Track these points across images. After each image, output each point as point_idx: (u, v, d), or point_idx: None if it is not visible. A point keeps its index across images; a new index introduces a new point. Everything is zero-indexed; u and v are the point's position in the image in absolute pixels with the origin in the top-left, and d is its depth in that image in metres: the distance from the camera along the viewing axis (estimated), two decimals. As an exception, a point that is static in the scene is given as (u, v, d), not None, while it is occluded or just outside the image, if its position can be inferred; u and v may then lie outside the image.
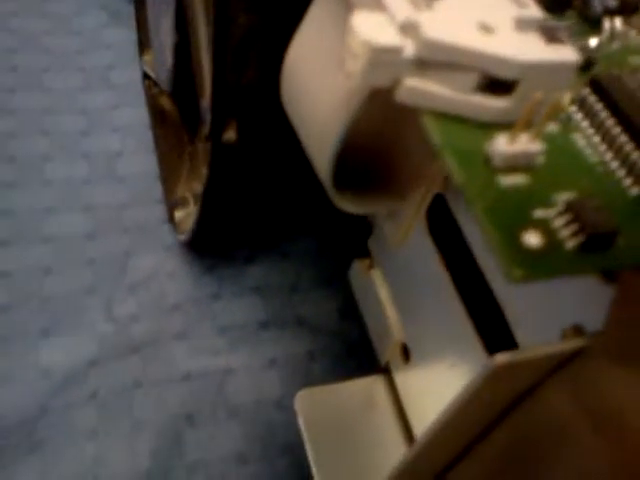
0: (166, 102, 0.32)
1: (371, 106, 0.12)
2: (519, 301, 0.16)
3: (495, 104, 0.11)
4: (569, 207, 0.10)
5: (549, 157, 0.11)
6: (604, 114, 0.11)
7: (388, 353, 0.22)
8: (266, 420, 0.25)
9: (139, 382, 0.25)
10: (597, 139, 0.11)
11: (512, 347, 0.17)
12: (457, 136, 0.11)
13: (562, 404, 0.12)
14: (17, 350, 0.25)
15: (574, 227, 0.10)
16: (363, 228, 0.25)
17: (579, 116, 0.12)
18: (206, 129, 0.20)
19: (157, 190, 0.30)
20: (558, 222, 0.10)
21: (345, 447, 0.21)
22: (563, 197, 0.10)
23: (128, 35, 0.35)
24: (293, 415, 0.24)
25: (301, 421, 0.21)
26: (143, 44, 0.33)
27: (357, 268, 0.24)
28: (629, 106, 0.11)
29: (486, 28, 0.11)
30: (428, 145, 0.11)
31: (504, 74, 0.10)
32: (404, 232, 0.20)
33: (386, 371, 0.23)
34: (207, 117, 0.20)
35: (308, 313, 0.28)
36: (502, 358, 0.11)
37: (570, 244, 0.10)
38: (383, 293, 0.22)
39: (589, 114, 0.12)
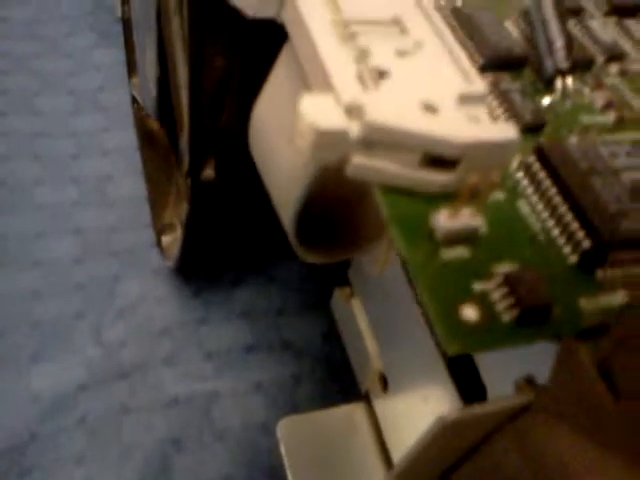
0: (155, 125, 0.33)
1: (327, 174, 0.12)
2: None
3: (439, 178, 0.11)
4: (506, 280, 0.11)
5: (492, 227, 0.12)
6: (547, 182, 0.12)
7: (368, 382, 0.23)
8: (252, 443, 0.26)
9: (127, 407, 0.26)
10: (540, 206, 0.12)
11: (479, 386, 0.18)
12: (404, 209, 0.11)
13: (508, 456, 0.12)
14: (7, 375, 0.26)
15: (510, 300, 0.11)
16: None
17: (525, 182, 0.12)
18: (185, 166, 0.21)
19: (146, 213, 0.31)
20: (496, 295, 0.11)
21: (326, 473, 0.22)
22: (503, 269, 0.11)
23: (117, 55, 0.36)
24: (276, 439, 0.25)
25: (283, 448, 0.22)
26: (131, 66, 0.34)
27: (338, 296, 0.25)
28: (570, 176, 0.12)
29: (429, 107, 0.11)
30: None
31: (446, 153, 0.11)
32: (381, 265, 0.21)
33: (366, 398, 0.24)
34: (185, 155, 0.21)
35: (293, 337, 0.29)
36: (450, 416, 0.12)
37: (506, 317, 0.11)
38: (362, 322, 0.23)
39: (534, 181, 0.12)
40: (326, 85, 0.11)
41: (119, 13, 0.35)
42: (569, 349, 0.11)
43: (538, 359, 0.13)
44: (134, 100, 0.34)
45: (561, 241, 0.12)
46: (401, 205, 0.12)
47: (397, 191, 0.12)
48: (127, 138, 0.34)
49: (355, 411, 0.23)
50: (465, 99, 0.12)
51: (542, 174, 0.12)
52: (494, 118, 0.12)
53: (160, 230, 0.30)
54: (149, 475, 0.25)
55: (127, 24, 0.34)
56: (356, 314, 0.23)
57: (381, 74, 0.12)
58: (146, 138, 0.33)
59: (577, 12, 0.17)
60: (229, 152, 0.21)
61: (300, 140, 0.11)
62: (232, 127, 0.20)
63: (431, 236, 0.11)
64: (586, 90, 0.15)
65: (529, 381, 0.13)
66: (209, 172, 0.21)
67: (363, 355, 0.23)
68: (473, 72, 0.12)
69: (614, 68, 0.16)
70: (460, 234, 0.11)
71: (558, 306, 0.11)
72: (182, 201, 0.29)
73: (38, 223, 0.31)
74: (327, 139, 0.11)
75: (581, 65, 0.15)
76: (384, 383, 0.22)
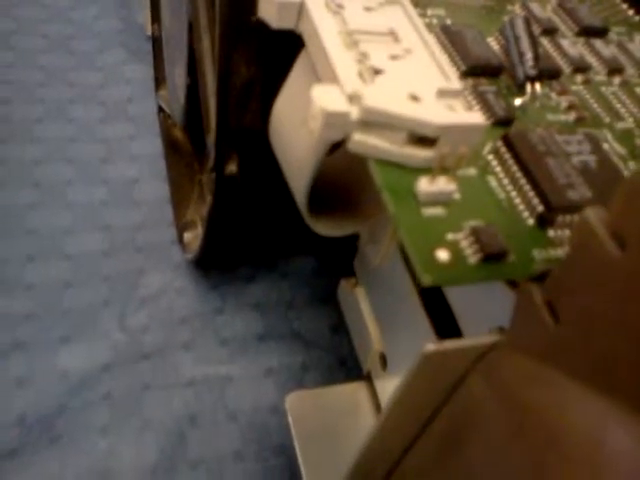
0: (179, 134, 0.37)
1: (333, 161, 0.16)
2: (468, 312, 0.20)
3: (422, 154, 0.15)
4: (473, 232, 0.14)
5: (464, 194, 0.15)
6: (511, 162, 0.15)
7: (369, 362, 0.26)
8: (262, 423, 0.29)
9: (148, 386, 0.29)
10: (505, 181, 0.15)
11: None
12: (394, 178, 0.15)
13: (480, 389, 0.16)
14: (38, 355, 0.29)
15: (475, 247, 0.14)
16: (351, 250, 0.29)
17: (494, 162, 0.16)
18: (211, 162, 0.25)
19: (168, 214, 0.35)
20: (464, 243, 0.14)
21: (330, 444, 0.25)
22: (471, 224, 0.14)
23: (146, 70, 0.40)
24: (286, 420, 0.28)
25: (291, 420, 0.25)
26: (159, 80, 0.38)
27: (344, 286, 0.28)
28: (529, 156, 0.15)
29: (414, 97, 0.15)
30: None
31: (426, 133, 0.14)
32: (383, 255, 0.24)
33: (368, 378, 0.27)
34: (212, 152, 0.25)
35: (303, 328, 0.32)
36: (433, 346, 0.15)
37: (472, 260, 0.14)
38: (365, 308, 0.26)
39: (501, 161, 0.16)
40: (333, 79, 0.15)
41: (149, 32, 0.39)
42: (524, 289, 0.14)
43: (505, 316, 0.17)
44: (160, 110, 0.37)
45: (521, 207, 0.15)
46: (391, 175, 0.15)
47: (388, 164, 0.15)
48: (152, 145, 0.38)
49: (358, 389, 0.26)
50: (444, 93, 0.15)
51: (507, 155, 0.16)
52: (467, 109, 0.15)
53: (182, 227, 0.33)
54: (166, 446, 0.28)
55: (156, 41, 0.38)
56: (360, 301, 0.27)
57: (377, 72, 0.15)
58: (170, 145, 0.37)
59: (552, 32, 0.20)
60: (251, 149, 0.24)
61: (312, 121, 0.14)
62: (255, 126, 0.24)
63: (414, 198, 0.15)
64: (553, 94, 0.18)
65: (500, 330, 0.16)
66: (232, 167, 0.25)
67: (365, 338, 0.26)
68: (452, 73, 0.16)
69: (579, 78, 0.19)
70: (437, 197, 0.14)
71: (515, 254, 0.14)
72: (203, 201, 0.33)
73: (69, 220, 0.34)
74: (333, 119, 0.14)
75: (549, 74, 0.18)
76: (384, 362, 0.25)
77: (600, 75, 0.19)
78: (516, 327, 0.15)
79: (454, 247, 0.14)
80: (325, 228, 0.18)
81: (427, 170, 0.15)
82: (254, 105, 0.24)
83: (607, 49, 0.20)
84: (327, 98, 0.14)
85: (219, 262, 0.34)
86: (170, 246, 0.34)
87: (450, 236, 0.14)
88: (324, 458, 0.24)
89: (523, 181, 0.15)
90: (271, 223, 0.30)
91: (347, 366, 0.31)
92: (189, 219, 0.33)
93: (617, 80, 0.19)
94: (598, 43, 0.20)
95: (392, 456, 0.19)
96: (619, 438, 0.12)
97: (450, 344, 0.15)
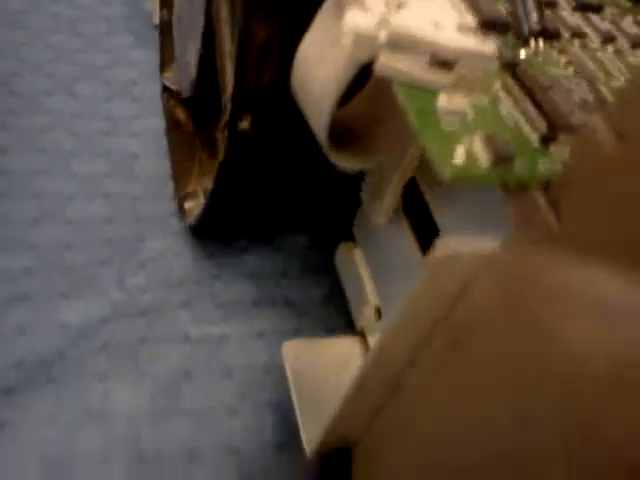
0: (181, 113, 0.39)
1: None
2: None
3: (442, 76, 0.17)
4: (485, 139, 0.16)
5: (477, 115, 0.17)
6: (518, 92, 0.17)
7: (364, 318, 0.27)
8: (256, 381, 0.30)
9: (145, 339, 0.30)
10: (514, 108, 0.17)
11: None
12: (415, 97, 0.17)
13: (483, 293, 0.17)
14: (39, 307, 0.30)
15: (487, 151, 0.16)
16: (343, 226, 0.30)
17: (504, 95, 0.18)
18: (225, 118, 0.26)
19: (167, 189, 0.36)
20: (477, 148, 0.16)
21: (325, 390, 0.26)
22: (482, 134, 0.16)
23: (151, 56, 0.41)
24: (280, 378, 0.29)
25: (287, 367, 0.26)
26: (164, 63, 0.39)
27: (342, 249, 0.29)
28: (535, 88, 0.17)
29: (437, 25, 0.17)
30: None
31: (446, 57, 0.16)
32: (386, 210, 0.26)
33: (362, 335, 0.28)
34: (227, 110, 0.26)
35: (296, 297, 0.33)
36: (443, 247, 0.16)
37: (484, 162, 0.16)
38: (363, 267, 0.28)
39: (510, 93, 0.18)
40: (362, 8, 0.17)
41: (156, 20, 0.41)
42: (527, 194, 0.16)
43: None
44: (165, 90, 0.39)
45: (527, 129, 0.17)
46: (413, 94, 0.17)
47: (410, 86, 0.17)
48: (154, 125, 0.39)
49: (352, 342, 0.27)
50: (462, 27, 0.17)
51: (516, 88, 0.18)
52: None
53: (183, 198, 0.35)
54: (161, 395, 0.28)
55: (165, 26, 0.40)
56: (357, 261, 0.28)
57: (401, 5, 0.17)
58: (173, 124, 0.38)
59: (552, 5, 0.23)
60: (264, 108, 0.26)
61: (345, 40, 0.16)
62: (269, 86, 0.25)
63: (434, 114, 0.16)
64: (554, 52, 0.20)
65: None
66: (245, 124, 0.26)
67: (362, 295, 0.27)
68: (469, 17, 0.18)
69: (577, 42, 0.21)
70: (454, 114, 0.16)
71: (521, 161, 0.16)
72: (206, 175, 0.34)
73: (72, 187, 0.35)
74: (363, 41, 0.16)
75: (551, 33, 0.20)
76: (379, 316, 0.27)
77: (595, 43, 0.22)
78: (520, 231, 0.16)
79: (469, 151, 0.16)
80: (340, 160, 0.20)
81: (446, 91, 0.17)
82: (271, 64, 0.25)
83: (602, 23, 0.22)
84: (358, 21, 0.16)
85: (217, 233, 0.35)
86: (169, 217, 0.35)
87: (465, 142, 0.16)
88: (319, 404, 0.25)
89: (529, 106, 0.17)
90: (274, 192, 0.31)
91: (336, 335, 0.32)
92: (190, 190, 0.35)
93: (610, 48, 0.21)
94: (594, 17, 0.23)
95: (391, 378, 0.21)
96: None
97: (460, 246, 0.17)
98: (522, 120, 0.17)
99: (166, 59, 0.39)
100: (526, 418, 0.16)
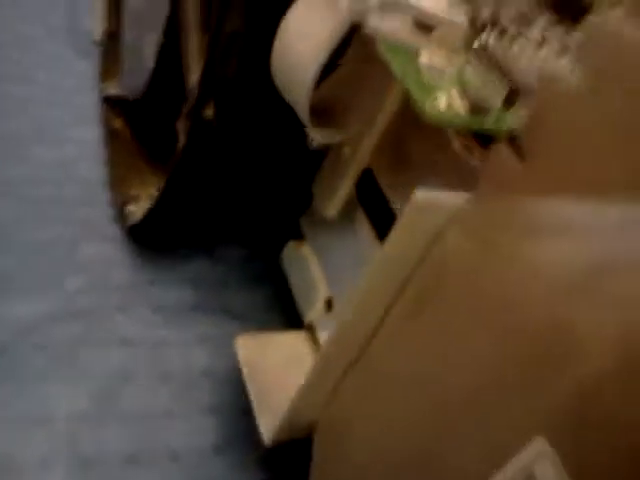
0: (119, 123, 0.38)
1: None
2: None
3: (424, 37, 0.18)
4: (461, 91, 0.17)
5: (455, 72, 0.18)
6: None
7: (313, 312, 0.28)
8: (193, 385, 0.29)
9: (84, 341, 0.29)
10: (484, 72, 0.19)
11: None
12: (400, 53, 0.18)
13: (455, 241, 0.18)
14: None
15: (464, 101, 0.17)
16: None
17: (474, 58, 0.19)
18: (189, 106, 0.27)
19: (103, 194, 0.35)
20: (455, 99, 0.17)
21: (279, 383, 0.25)
22: (459, 89, 0.17)
23: (92, 67, 0.41)
24: (219, 382, 0.29)
25: (240, 359, 0.26)
26: (106, 72, 0.39)
27: (290, 247, 0.30)
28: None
29: (420, -7, 0.18)
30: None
31: (427, 20, 0.18)
32: (338, 202, 0.26)
33: (309, 329, 0.28)
34: (192, 96, 0.27)
35: (235, 305, 0.33)
36: (422, 194, 0.17)
37: (461, 109, 0.17)
38: (312, 261, 0.28)
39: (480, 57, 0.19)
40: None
41: (97, 37, 0.41)
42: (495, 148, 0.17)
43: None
44: (104, 101, 0.39)
45: (494, 89, 0.18)
46: (398, 50, 0.18)
47: (395, 46, 0.18)
48: (92, 133, 0.39)
49: (300, 336, 0.27)
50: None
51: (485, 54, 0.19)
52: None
53: (125, 201, 0.34)
54: (100, 398, 0.27)
55: (110, 38, 0.40)
56: (306, 257, 0.28)
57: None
58: (110, 134, 0.38)
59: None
60: (228, 98, 0.27)
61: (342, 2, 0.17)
62: (234, 76, 0.26)
63: (416, 66, 0.18)
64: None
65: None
66: (209, 112, 0.27)
67: (311, 288, 0.28)
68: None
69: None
70: (434, 69, 0.18)
71: (491, 115, 0.17)
72: (150, 182, 0.33)
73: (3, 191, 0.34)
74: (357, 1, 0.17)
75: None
76: (329, 307, 0.27)
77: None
78: (488, 180, 0.17)
79: (448, 100, 0.17)
80: (321, 135, 0.21)
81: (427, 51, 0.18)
82: (237, 57, 0.26)
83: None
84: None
85: (156, 239, 0.34)
86: (106, 223, 0.34)
87: (445, 94, 0.17)
88: (273, 393, 0.25)
89: (496, 70, 0.19)
90: (221, 194, 0.31)
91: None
92: (133, 194, 0.34)
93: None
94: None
95: (352, 351, 0.21)
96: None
97: (436, 196, 0.17)
98: (491, 81, 0.19)
99: (109, 69, 0.39)
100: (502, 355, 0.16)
